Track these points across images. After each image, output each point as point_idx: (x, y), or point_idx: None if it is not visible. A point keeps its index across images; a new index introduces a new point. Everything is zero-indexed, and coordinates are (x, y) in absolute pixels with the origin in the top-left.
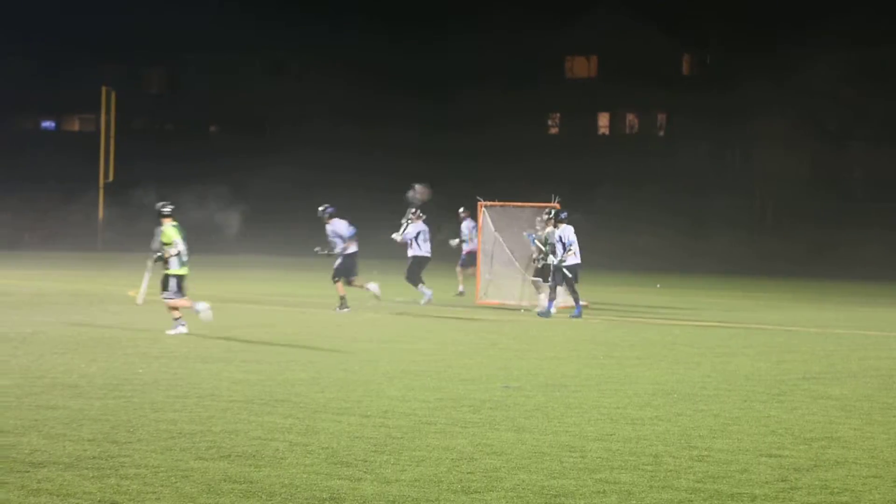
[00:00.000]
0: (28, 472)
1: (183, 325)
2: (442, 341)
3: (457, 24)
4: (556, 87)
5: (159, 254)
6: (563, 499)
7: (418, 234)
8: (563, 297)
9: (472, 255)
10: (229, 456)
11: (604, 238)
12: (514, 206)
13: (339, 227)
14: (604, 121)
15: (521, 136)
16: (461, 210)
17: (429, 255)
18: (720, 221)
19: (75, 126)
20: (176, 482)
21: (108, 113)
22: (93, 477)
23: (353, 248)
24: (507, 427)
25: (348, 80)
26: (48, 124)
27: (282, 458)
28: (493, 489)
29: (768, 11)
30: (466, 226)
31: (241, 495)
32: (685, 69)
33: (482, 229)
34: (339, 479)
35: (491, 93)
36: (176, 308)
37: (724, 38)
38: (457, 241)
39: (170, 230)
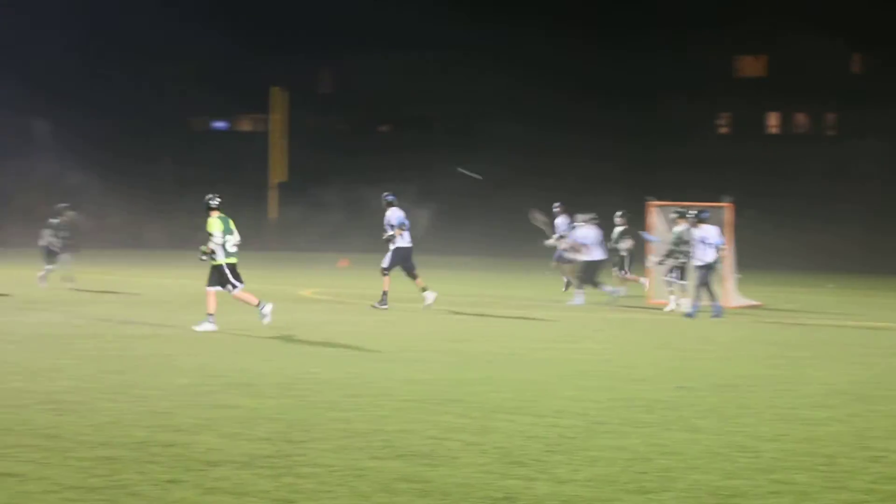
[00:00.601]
0: (204, 470)
1: (212, 322)
2: (611, 341)
3: (627, 25)
4: (725, 87)
5: (203, 247)
6: (737, 499)
7: (583, 238)
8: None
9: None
10: (404, 455)
11: (775, 238)
12: (683, 206)
13: (391, 216)
14: (773, 120)
15: (692, 137)
16: (556, 205)
17: (601, 257)
18: (893, 221)
19: (247, 126)
20: (351, 481)
21: (279, 112)
22: (268, 476)
23: (404, 242)
24: (681, 427)
25: (520, 80)
26: (220, 125)
27: (456, 458)
28: (667, 489)
29: None
30: (562, 221)
31: (417, 494)
32: (855, 68)
33: (653, 229)
34: (514, 478)
35: (661, 93)
36: (213, 304)
37: (893, 36)
38: (552, 240)
39: (214, 221)
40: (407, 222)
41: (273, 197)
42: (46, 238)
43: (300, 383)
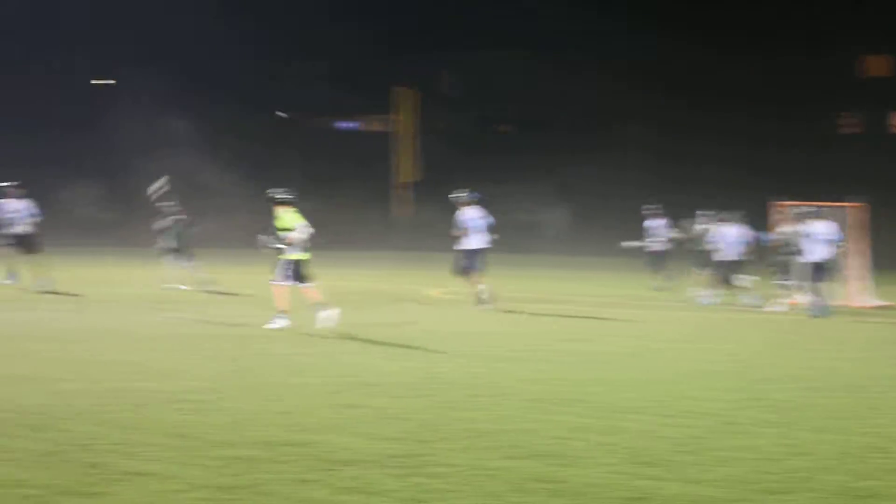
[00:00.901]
0: (334, 470)
1: (329, 310)
2: (738, 341)
3: (750, 27)
4: (849, 87)
5: (276, 242)
6: (869, 500)
7: (723, 237)
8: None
9: (657, 255)
10: (533, 455)
11: None
12: (807, 207)
13: (463, 216)
14: None
15: (817, 138)
16: (648, 207)
17: (736, 258)
18: None
19: (374, 126)
20: (481, 481)
21: (403, 113)
22: (398, 475)
23: (476, 244)
24: (810, 427)
25: (644, 83)
26: (347, 125)
27: (585, 458)
28: (796, 490)
29: None
30: (654, 224)
31: (550, 494)
32: None
33: (775, 231)
34: (644, 478)
35: (786, 96)
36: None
37: None
38: (634, 244)
39: (291, 216)
40: (477, 224)
41: (397, 197)
42: (160, 241)
43: (425, 383)
